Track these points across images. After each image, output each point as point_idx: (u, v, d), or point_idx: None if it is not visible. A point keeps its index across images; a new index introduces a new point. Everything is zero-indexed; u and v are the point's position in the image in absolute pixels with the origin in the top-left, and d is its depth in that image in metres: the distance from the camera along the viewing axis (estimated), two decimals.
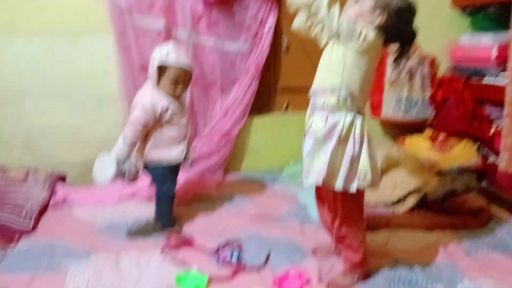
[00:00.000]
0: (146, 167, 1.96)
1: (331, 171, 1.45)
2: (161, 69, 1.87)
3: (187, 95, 2.50)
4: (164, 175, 1.95)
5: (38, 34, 2.44)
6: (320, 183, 1.47)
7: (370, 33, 1.44)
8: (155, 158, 1.92)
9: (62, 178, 2.50)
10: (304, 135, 1.56)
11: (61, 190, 2.31)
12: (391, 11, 1.47)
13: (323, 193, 1.64)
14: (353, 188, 1.47)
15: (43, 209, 2.14)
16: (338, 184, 1.46)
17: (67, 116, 2.55)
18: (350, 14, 1.49)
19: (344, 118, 1.45)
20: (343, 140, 1.45)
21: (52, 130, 2.54)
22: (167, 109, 1.89)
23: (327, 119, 1.46)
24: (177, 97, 1.94)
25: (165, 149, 1.92)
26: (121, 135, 1.84)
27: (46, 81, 2.49)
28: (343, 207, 1.53)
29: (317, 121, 1.48)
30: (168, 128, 1.91)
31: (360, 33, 1.42)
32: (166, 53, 1.86)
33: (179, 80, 1.90)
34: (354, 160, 1.45)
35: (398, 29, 1.50)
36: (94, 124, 2.58)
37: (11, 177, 2.22)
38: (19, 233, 1.91)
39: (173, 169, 1.98)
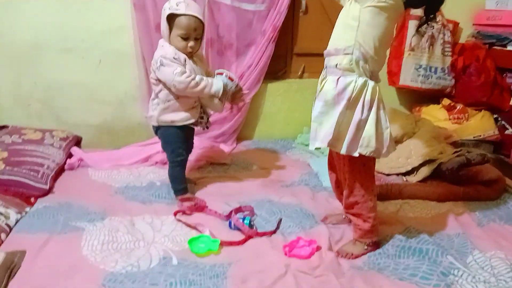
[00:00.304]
0: (157, 130, 1.95)
1: (337, 135, 1.43)
2: (171, 22, 1.80)
3: (204, 54, 2.44)
4: (174, 139, 1.92)
5: None
6: (325, 145, 1.45)
7: None
8: (168, 120, 1.89)
9: (78, 142, 2.53)
10: (315, 98, 1.53)
11: (76, 154, 2.34)
12: None
13: (334, 159, 1.63)
14: (355, 154, 1.45)
15: (59, 171, 2.18)
16: (342, 149, 1.44)
17: (84, 73, 2.55)
18: None
19: (355, 81, 1.41)
20: (352, 104, 1.42)
21: (69, 87, 2.56)
22: (184, 64, 1.83)
23: (338, 80, 1.43)
24: (190, 55, 1.88)
25: (178, 112, 1.88)
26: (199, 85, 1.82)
27: (63, 37, 2.49)
28: (351, 174, 1.51)
29: (328, 83, 1.46)
30: None
31: None
32: (176, 3, 1.78)
33: (190, 33, 1.80)
34: (361, 125, 1.42)
35: None
36: (111, 82, 2.59)
37: (28, 138, 2.25)
38: (36, 193, 1.95)
39: (185, 133, 1.94)
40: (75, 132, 2.54)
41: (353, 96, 1.41)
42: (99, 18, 2.48)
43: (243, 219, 1.73)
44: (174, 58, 1.80)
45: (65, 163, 2.25)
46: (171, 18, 1.79)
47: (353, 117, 1.42)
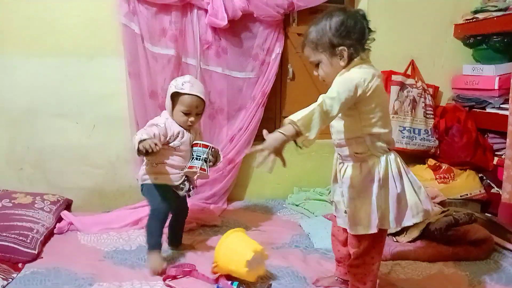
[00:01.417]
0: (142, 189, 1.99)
1: (381, 216, 1.45)
2: (175, 98, 1.92)
3: (200, 129, 2.53)
4: (153, 193, 1.93)
5: (52, 55, 2.51)
6: (376, 230, 1.45)
7: (365, 75, 1.38)
8: (147, 178, 1.95)
9: (68, 205, 2.52)
10: (337, 183, 1.55)
11: (66, 217, 2.33)
12: (341, 33, 1.41)
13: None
14: (409, 224, 1.48)
15: (48, 235, 2.16)
16: (392, 225, 1.47)
17: (78, 137, 2.60)
18: (328, 78, 1.45)
19: (378, 163, 1.44)
20: (383, 183, 1.44)
21: (61, 151, 2.59)
22: (177, 136, 1.92)
23: (361, 166, 1.45)
24: (189, 128, 1.97)
25: (159, 174, 1.94)
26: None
27: (58, 101, 2.55)
28: (369, 242, 1.50)
29: (351, 169, 1.47)
30: (171, 155, 1.94)
31: (357, 87, 1.35)
32: (182, 82, 1.92)
33: (192, 110, 1.92)
34: (401, 197, 1.45)
35: (360, 31, 1.43)
36: (103, 145, 2.63)
37: (18, 202, 2.25)
38: (24, 258, 1.92)
39: (164, 190, 1.95)
40: (66, 195, 2.54)
41: (381, 177, 1.44)
42: (94, 84, 2.57)
43: (232, 283, 1.71)
44: (157, 124, 1.90)
45: (54, 227, 2.24)
46: (176, 95, 1.92)
47: (390, 193, 1.45)
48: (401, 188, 1.46)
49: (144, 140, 1.75)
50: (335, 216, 1.63)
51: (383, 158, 1.45)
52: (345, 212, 1.51)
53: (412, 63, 2.88)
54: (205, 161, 1.92)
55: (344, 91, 1.33)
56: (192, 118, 1.94)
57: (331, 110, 1.31)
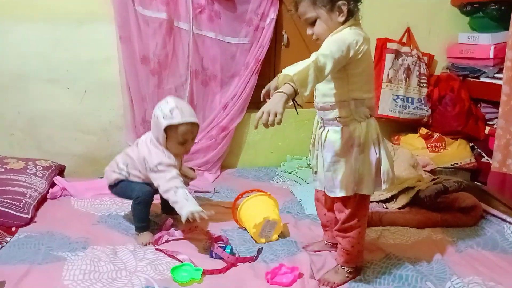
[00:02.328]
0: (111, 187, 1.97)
1: (359, 180, 1.47)
2: (168, 131, 1.79)
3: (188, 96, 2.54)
4: (133, 182, 1.89)
5: (42, 20, 2.46)
6: (351, 193, 1.48)
7: (357, 37, 1.37)
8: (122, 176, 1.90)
9: (61, 171, 2.53)
10: (315, 147, 1.58)
11: (59, 183, 2.34)
12: None
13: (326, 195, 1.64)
14: (382, 189, 1.51)
15: (42, 201, 2.17)
16: (368, 190, 1.50)
17: (69, 102, 2.58)
18: (323, 36, 1.42)
19: (359, 127, 1.45)
20: (363, 148, 1.46)
21: (53, 116, 2.57)
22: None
23: (342, 130, 1.46)
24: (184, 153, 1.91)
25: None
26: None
27: (49, 66, 2.52)
28: (354, 206, 1.52)
29: (332, 133, 1.48)
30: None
31: (349, 47, 1.34)
32: (169, 110, 1.76)
33: (188, 137, 1.82)
34: (380, 163, 1.48)
35: None
36: (95, 111, 2.61)
37: (10, 167, 2.25)
38: (18, 222, 1.93)
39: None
40: (57, 161, 2.54)
41: (362, 141, 1.45)
42: (85, 49, 2.53)
43: (224, 247, 1.74)
44: (175, 165, 1.82)
45: (47, 192, 2.24)
46: (168, 128, 1.78)
47: (370, 158, 1.47)
48: (379, 154, 1.48)
49: (194, 211, 1.69)
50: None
51: (364, 124, 1.46)
52: (318, 174, 1.54)
53: (408, 31, 2.85)
54: None
55: (337, 51, 1.31)
56: (189, 145, 1.86)
57: (325, 67, 1.29)
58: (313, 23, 1.44)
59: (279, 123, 1.22)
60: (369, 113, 1.48)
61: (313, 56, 1.30)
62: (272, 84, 1.48)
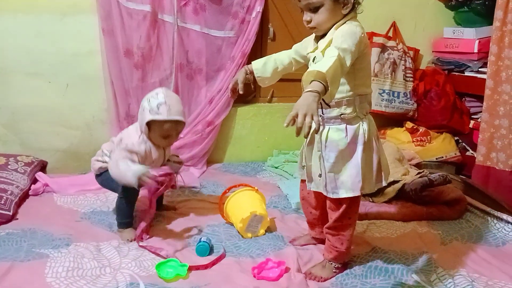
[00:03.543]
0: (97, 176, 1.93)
1: (363, 178, 1.45)
2: (152, 125, 1.75)
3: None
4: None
5: (24, 12, 2.40)
6: (358, 193, 1.45)
7: (362, 30, 1.36)
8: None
9: (43, 167, 2.48)
10: (308, 146, 1.54)
11: (41, 179, 2.29)
12: None
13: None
14: (378, 186, 1.52)
15: (23, 197, 2.13)
16: (370, 189, 1.49)
17: (52, 97, 2.53)
18: (322, 25, 1.39)
19: (362, 125, 1.44)
20: (367, 145, 1.44)
21: (35, 111, 2.52)
22: (150, 151, 1.81)
23: (346, 129, 1.43)
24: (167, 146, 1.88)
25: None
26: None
27: (31, 60, 2.46)
28: (347, 204, 1.50)
29: (334, 132, 1.44)
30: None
31: (360, 41, 1.32)
32: (157, 105, 1.71)
33: (172, 133, 1.78)
34: (380, 159, 1.48)
35: None
36: (78, 106, 2.57)
37: None
38: None
39: None
40: (40, 156, 2.49)
41: (365, 139, 1.43)
42: (67, 42, 2.48)
43: (200, 241, 1.71)
44: (138, 152, 1.76)
45: (29, 188, 2.20)
46: (152, 122, 1.73)
47: (373, 157, 1.46)
48: (380, 150, 1.47)
49: (141, 175, 1.64)
50: (304, 180, 1.63)
51: (366, 120, 1.45)
52: (319, 176, 1.50)
53: (393, 25, 2.85)
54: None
55: (353, 44, 1.29)
56: (172, 139, 1.82)
57: (345, 62, 1.25)
58: (315, 9, 1.38)
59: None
60: (369, 109, 1.47)
61: (335, 50, 1.24)
62: (239, 77, 1.45)
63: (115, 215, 1.90)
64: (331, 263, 1.60)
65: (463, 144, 2.83)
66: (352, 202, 1.51)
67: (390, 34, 2.84)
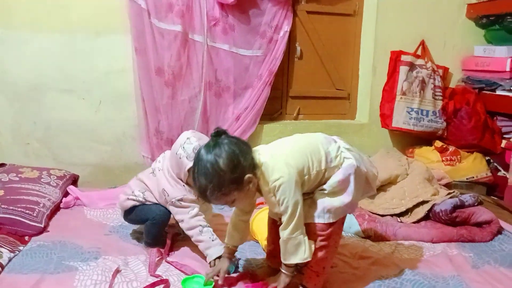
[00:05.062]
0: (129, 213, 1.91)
1: (354, 203, 1.55)
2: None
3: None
4: (149, 205, 1.85)
5: (60, 31, 2.50)
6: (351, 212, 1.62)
7: (285, 169, 1.40)
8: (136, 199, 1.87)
9: (74, 181, 2.55)
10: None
11: (72, 192, 2.35)
12: (234, 166, 1.36)
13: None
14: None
15: (55, 210, 2.19)
16: (352, 209, 1.59)
17: (84, 113, 2.60)
18: (247, 205, 1.54)
19: (350, 164, 1.49)
20: (356, 174, 1.50)
21: (68, 127, 2.60)
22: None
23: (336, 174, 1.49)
24: None
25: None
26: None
27: (65, 77, 2.55)
28: (335, 225, 1.48)
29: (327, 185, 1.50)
30: None
31: (296, 185, 1.39)
32: (193, 150, 1.71)
33: None
34: (368, 174, 1.55)
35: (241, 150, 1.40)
36: (110, 122, 2.64)
37: (25, 176, 2.27)
38: (31, 231, 1.94)
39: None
40: (71, 170, 2.56)
41: (354, 171, 1.49)
42: (101, 60, 2.56)
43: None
44: (194, 200, 1.78)
45: (61, 201, 2.26)
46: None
47: (359, 178, 1.51)
48: (365, 168, 1.52)
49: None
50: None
51: (351, 159, 1.49)
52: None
53: (422, 43, 2.84)
54: None
55: (292, 196, 1.38)
56: None
57: (298, 211, 1.39)
58: (232, 202, 1.44)
59: None
60: (347, 147, 1.53)
61: (293, 230, 1.40)
62: (223, 267, 1.55)
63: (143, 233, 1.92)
64: None
65: (495, 164, 2.75)
66: (339, 224, 1.53)
67: (419, 52, 2.82)
